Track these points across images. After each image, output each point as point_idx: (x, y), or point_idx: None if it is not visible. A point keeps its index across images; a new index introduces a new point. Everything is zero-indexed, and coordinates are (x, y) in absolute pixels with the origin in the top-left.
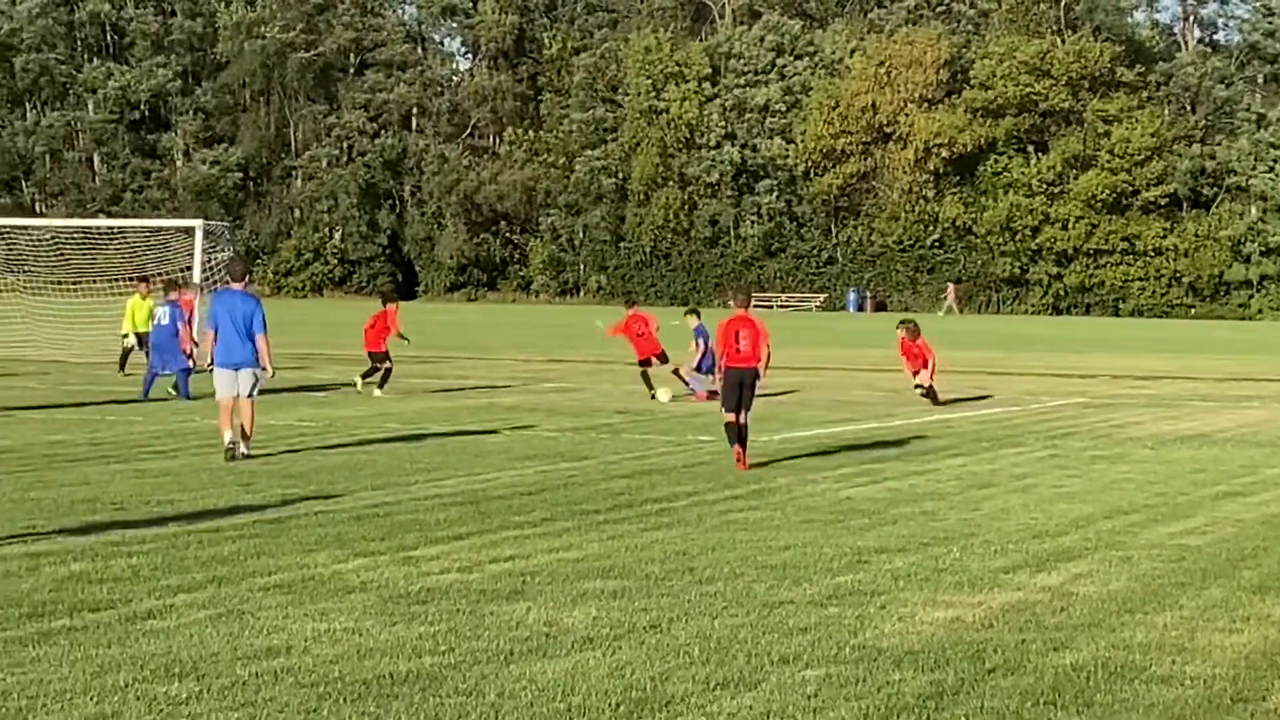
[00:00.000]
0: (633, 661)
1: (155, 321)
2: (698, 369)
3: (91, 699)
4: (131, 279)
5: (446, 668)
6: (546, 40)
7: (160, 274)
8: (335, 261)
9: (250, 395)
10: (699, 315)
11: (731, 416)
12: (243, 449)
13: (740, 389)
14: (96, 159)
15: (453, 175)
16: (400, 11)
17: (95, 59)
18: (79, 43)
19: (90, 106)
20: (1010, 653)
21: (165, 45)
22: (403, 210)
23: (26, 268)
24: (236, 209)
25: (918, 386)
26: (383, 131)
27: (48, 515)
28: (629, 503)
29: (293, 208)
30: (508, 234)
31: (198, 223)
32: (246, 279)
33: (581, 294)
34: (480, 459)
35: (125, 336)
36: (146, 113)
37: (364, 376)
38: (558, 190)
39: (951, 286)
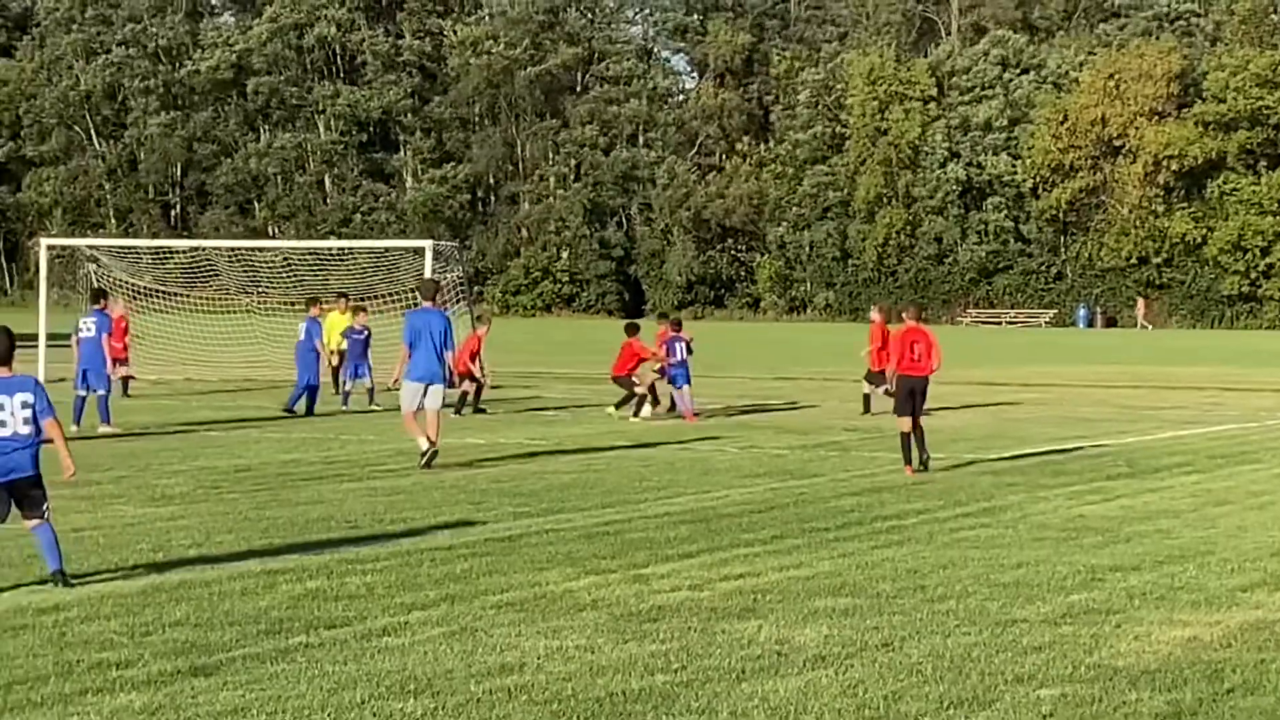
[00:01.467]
0: (865, 680)
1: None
2: (672, 382)
3: (328, 715)
4: (339, 295)
5: (679, 686)
6: (775, 57)
7: (387, 294)
8: (565, 280)
9: (439, 407)
10: (679, 326)
11: (906, 422)
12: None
13: (913, 396)
14: (327, 181)
15: (682, 190)
16: (628, 29)
17: (325, 81)
18: (309, 65)
19: (320, 128)
20: (1249, 672)
21: (394, 65)
22: (630, 227)
23: (260, 288)
24: (464, 229)
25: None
26: (612, 148)
27: (283, 533)
28: (859, 520)
29: (520, 226)
30: (735, 250)
31: (427, 243)
32: (437, 298)
33: (809, 310)
34: (709, 476)
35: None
36: (376, 134)
37: (617, 405)
38: (786, 204)
39: (1141, 301)
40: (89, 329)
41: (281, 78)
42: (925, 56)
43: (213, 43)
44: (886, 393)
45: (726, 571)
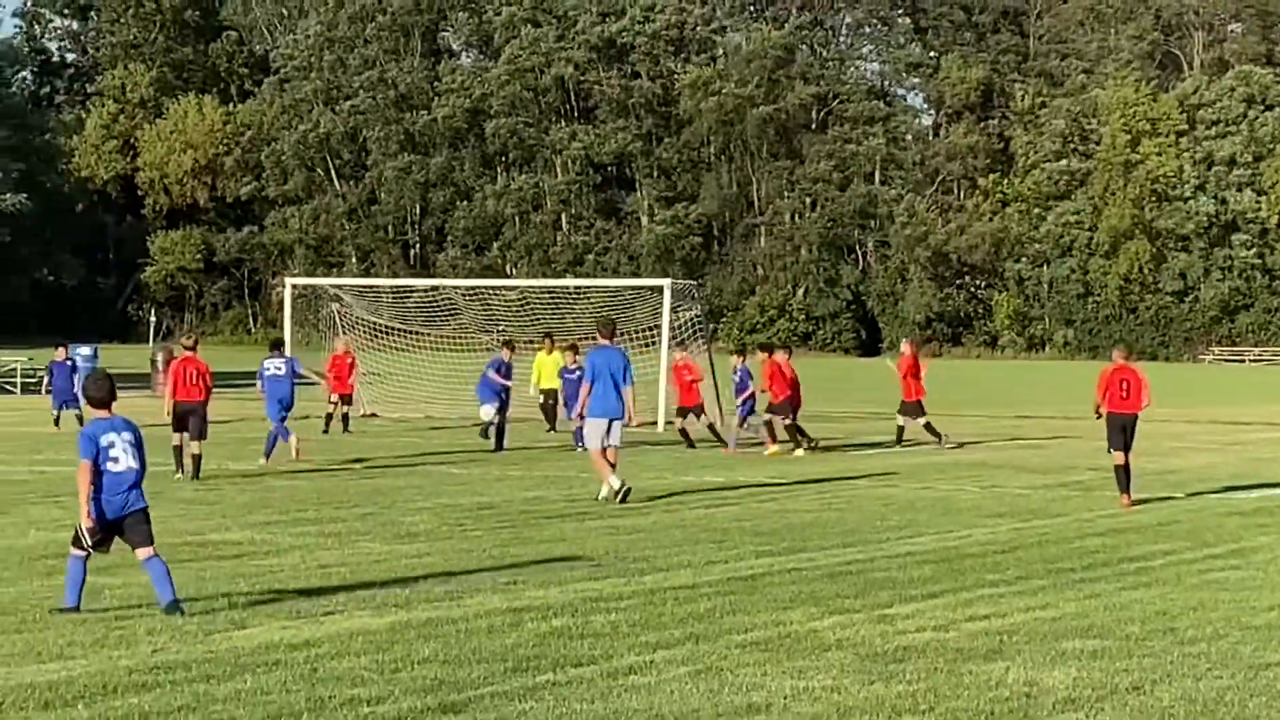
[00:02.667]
0: None
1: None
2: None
3: None
4: (545, 336)
5: None
6: (1017, 93)
7: (625, 332)
8: (800, 318)
9: (618, 445)
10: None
11: (1120, 456)
12: (604, 492)
13: (1124, 431)
14: (563, 220)
15: (921, 227)
16: (862, 68)
17: (561, 122)
18: (545, 106)
19: (557, 169)
20: None
21: (628, 107)
22: (866, 264)
23: (499, 326)
24: (698, 267)
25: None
26: (847, 185)
27: (528, 571)
28: (1104, 561)
29: (755, 265)
30: (972, 287)
31: (666, 281)
32: (614, 336)
33: (1047, 349)
34: (951, 516)
35: (543, 393)
36: (610, 173)
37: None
38: (1027, 240)
39: None
40: (278, 369)
41: (518, 119)
42: (1168, 91)
43: (449, 87)
44: (928, 427)
45: (972, 612)
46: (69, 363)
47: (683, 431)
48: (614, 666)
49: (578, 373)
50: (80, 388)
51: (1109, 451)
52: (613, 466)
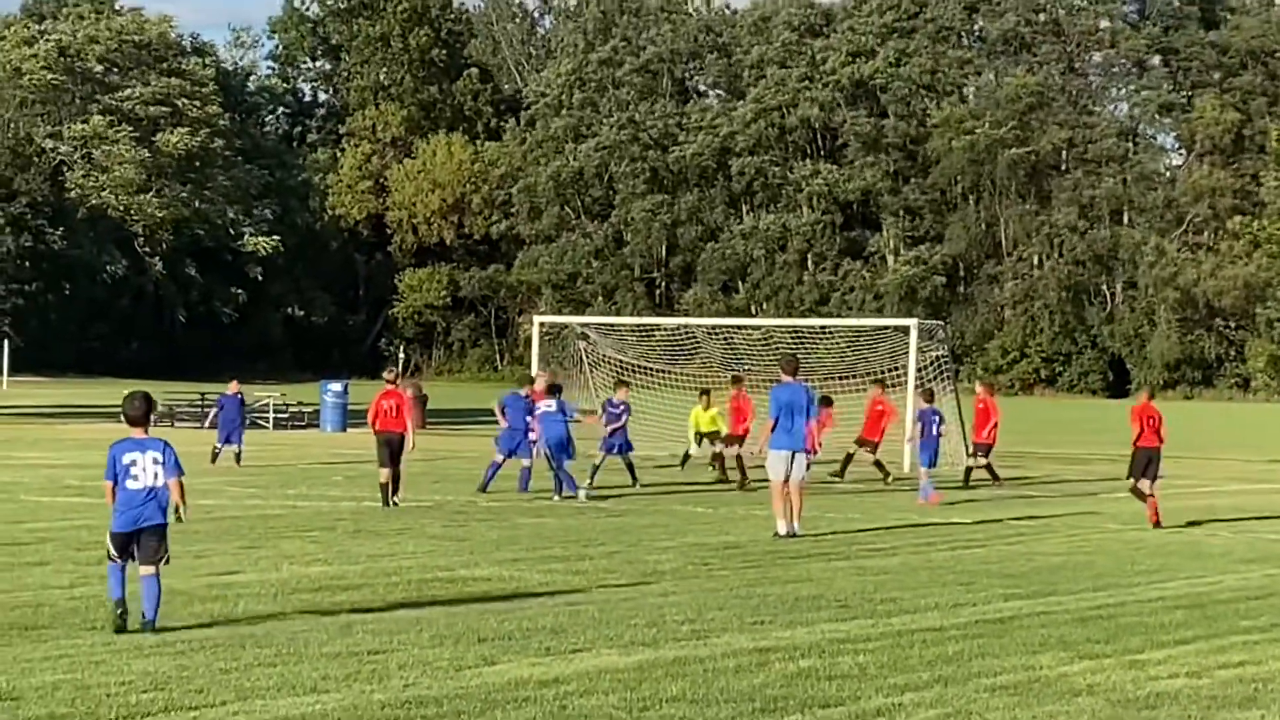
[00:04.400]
0: None
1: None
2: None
3: None
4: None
5: None
6: (1271, 132)
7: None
8: (1040, 360)
9: (801, 478)
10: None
11: (1146, 484)
12: (795, 527)
13: (1149, 464)
14: (809, 260)
15: (1169, 269)
16: (1115, 108)
17: (807, 160)
18: (791, 145)
19: (803, 207)
20: None
21: (876, 145)
22: (1113, 307)
23: (745, 365)
24: (942, 308)
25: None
26: (1093, 227)
27: (774, 610)
28: None
29: (1000, 306)
30: (1223, 329)
31: (912, 321)
32: (796, 373)
33: None
34: (1201, 560)
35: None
36: (855, 213)
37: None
38: (1277, 283)
39: None
40: (551, 407)
41: (764, 158)
42: None
43: (697, 125)
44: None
45: (1225, 659)
46: (238, 396)
47: (847, 460)
48: (861, 708)
49: (623, 409)
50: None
51: (1131, 479)
52: (799, 505)
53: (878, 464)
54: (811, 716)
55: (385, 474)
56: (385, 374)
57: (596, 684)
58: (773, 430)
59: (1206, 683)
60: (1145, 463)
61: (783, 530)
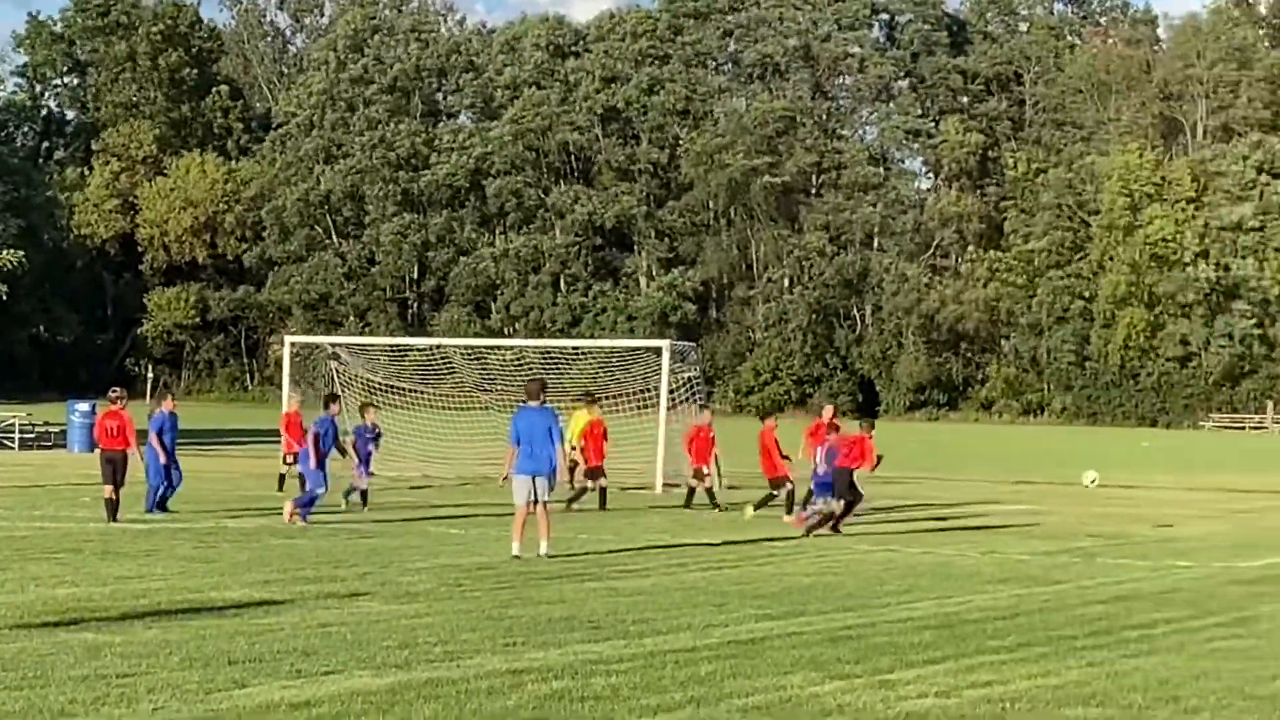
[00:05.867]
0: None
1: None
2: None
3: None
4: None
5: None
6: (1011, 160)
7: (622, 393)
8: (790, 382)
9: (546, 501)
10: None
11: (836, 505)
12: (544, 548)
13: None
14: (561, 282)
15: (913, 294)
16: (862, 133)
17: (562, 184)
18: (546, 168)
19: (557, 231)
20: None
21: (630, 172)
22: (862, 329)
23: (497, 386)
24: (695, 331)
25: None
26: (842, 251)
27: (527, 632)
28: (1107, 629)
29: (751, 329)
30: (968, 354)
31: (665, 343)
32: (541, 397)
33: (1045, 414)
34: (950, 581)
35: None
36: (610, 237)
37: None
38: (1020, 310)
39: (1269, 403)
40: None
41: (519, 180)
42: (1172, 158)
43: (449, 146)
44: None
45: (974, 679)
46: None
47: (691, 491)
48: None
49: (372, 432)
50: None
51: (834, 499)
52: (546, 527)
53: (709, 492)
54: None
55: (108, 490)
56: (111, 393)
57: (349, 706)
58: (515, 456)
59: (955, 702)
60: (849, 486)
61: (516, 551)
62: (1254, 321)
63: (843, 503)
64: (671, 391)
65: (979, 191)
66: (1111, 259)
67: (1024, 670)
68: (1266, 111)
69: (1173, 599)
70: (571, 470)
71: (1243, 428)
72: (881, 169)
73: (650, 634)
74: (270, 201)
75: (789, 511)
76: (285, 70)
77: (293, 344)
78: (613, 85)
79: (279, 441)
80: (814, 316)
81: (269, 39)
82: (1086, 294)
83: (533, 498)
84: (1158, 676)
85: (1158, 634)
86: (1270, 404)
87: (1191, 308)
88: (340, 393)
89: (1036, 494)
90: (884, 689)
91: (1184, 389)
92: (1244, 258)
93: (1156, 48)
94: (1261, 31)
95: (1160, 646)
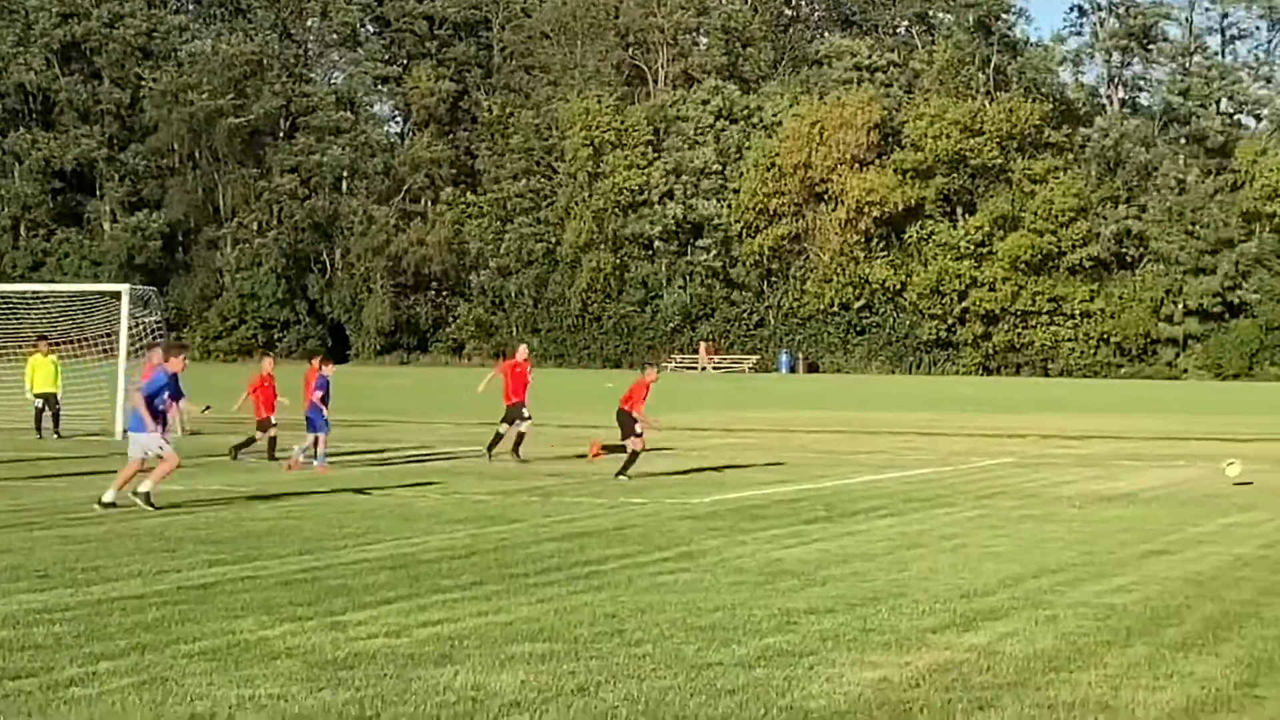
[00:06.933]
0: None
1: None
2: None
3: None
4: (40, 338)
5: None
6: (484, 104)
7: (84, 338)
8: (260, 325)
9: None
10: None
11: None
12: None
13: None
14: (22, 227)
15: (381, 237)
16: (331, 78)
17: (21, 127)
18: (4, 110)
19: (16, 175)
20: (936, 713)
21: (92, 114)
22: (332, 274)
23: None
24: (162, 274)
25: None
26: (313, 195)
27: None
28: (558, 566)
29: (220, 272)
30: (437, 297)
31: (124, 287)
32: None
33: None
34: (410, 523)
35: (37, 398)
36: (72, 179)
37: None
38: (489, 253)
39: (704, 345)
40: None
41: None
42: (635, 103)
43: None
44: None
45: (425, 618)
46: None
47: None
48: (54, 679)
49: None
50: None
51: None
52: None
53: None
54: (2, 690)
55: None
56: None
57: None
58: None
59: (405, 641)
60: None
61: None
62: (713, 255)
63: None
64: (133, 337)
65: (450, 136)
66: (577, 204)
67: (475, 608)
68: (724, 59)
69: (625, 535)
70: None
71: (703, 368)
72: (350, 113)
73: (99, 581)
74: None
75: (272, 458)
76: None
77: None
78: (71, 21)
79: None
80: (285, 261)
81: None
82: (554, 238)
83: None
84: (605, 610)
85: (608, 569)
86: (704, 345)
87: (654, 249)
88: None
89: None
90: (335, 630)
91: (646, 330)
92: (707, 199)
93: None
94: None
95: (609, 581)
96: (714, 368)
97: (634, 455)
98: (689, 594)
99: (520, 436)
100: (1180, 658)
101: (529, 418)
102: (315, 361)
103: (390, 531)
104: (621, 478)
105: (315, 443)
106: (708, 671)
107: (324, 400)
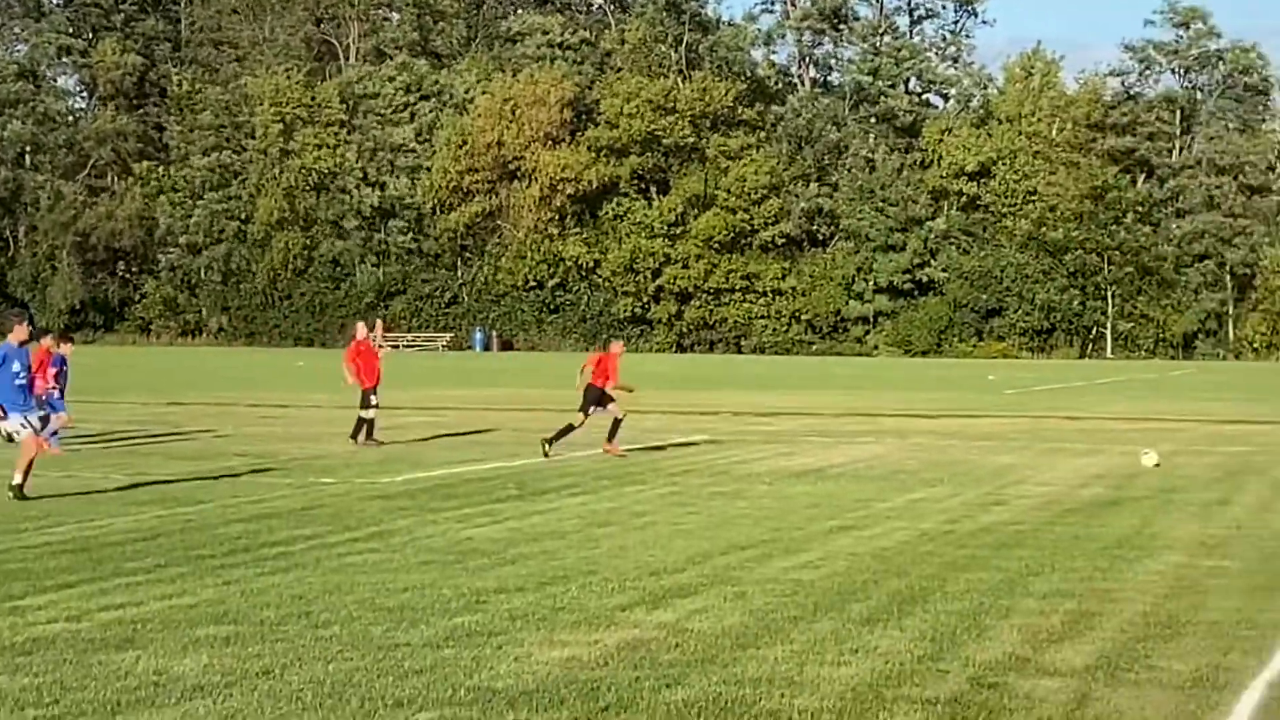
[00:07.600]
0: (244, 709)
1: None
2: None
3: None
4: None
5: None
6: (173, 79)
7: None
8: None
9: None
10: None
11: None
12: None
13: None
14: None
15: (68, 213)
16: (11, 49)
17: None
18: None
19: None
20: (624, 690)
21: None
22: (16, 250)
23: None
24: None
25: None
26: None
27: None
28: (246, 547)
29: None
30: (125, 274)
31: None
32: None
33: (203, 335)
34: (94, 505)
35: None
36: None
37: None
38: (179, 230)
39: (379, 322)
40: None
41: None
42: (327, 79)
43: None
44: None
45: (107, 601)
46: None
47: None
48: None
49: None
50: None
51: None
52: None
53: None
54: None
55: None
56: None
57: None
58: None
59: (86, 625)
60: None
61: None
62: (408, 236)
63: None
64: None
65: (141, 111)
66: (268, 181)
67: (159, 591)
68: (415, 34)
69: (314, 515)
70: None
71: (397, 346)
72: (32, 85)
73: None
74: None
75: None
76: None
77: None
78: None
79: None
80: None
81: None
82: (244, 215)
83: None
84: (292, 592)
85: (296, 550)
86: (379, 323)
87: (345, 227)
88: None
89: (188, 415)
90: (14, 615)
91: (338, 308)
92: (400, 176)
93: None
94: None
95: (297, 562)
96: (391, 346)
97: (569, 427)
98: (378, 574)
99: (365, 422)
100: (866, 632)
101: (376, 404)
102: (47, 340)
103: (73, 513)
104: (547, 446)
105: (46, 420)
106: (395, 652)
107: (59, 379)
